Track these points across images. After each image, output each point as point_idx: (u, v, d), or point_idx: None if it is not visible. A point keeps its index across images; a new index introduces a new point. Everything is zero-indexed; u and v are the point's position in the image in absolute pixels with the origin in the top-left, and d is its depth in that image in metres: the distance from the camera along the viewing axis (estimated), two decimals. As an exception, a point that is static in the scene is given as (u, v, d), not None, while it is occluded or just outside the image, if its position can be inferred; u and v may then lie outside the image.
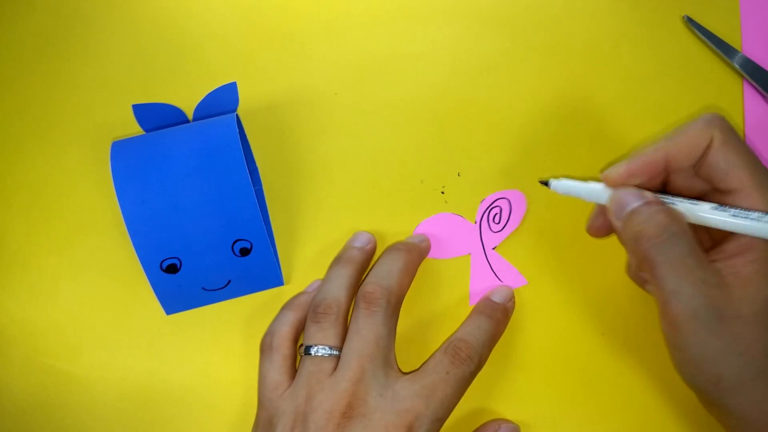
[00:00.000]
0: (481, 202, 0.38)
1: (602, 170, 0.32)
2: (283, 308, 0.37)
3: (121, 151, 0.34)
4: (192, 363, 0.38)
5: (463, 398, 0.34)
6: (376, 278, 0.34)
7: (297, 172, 0.39)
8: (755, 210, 0.29)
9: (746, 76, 0.39)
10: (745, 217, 0.29)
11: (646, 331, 0.37)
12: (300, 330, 0.36)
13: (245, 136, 0.39)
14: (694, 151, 0.31)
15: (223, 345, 0.38)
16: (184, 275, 0.34)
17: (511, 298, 0.37)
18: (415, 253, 0.36)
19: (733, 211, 0.30)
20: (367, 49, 0.40)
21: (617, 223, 0.31)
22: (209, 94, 0.40)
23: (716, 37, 0.39)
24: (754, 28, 0.40)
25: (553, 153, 0.39)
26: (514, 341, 0.37)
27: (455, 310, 0.37)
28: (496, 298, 0.37)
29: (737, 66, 0.39)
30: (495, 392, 0.37)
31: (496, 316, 0.36)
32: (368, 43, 0.40)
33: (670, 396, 0.36)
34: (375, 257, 0.38)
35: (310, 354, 0.33)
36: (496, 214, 0.38)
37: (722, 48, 0.39)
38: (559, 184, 0.33)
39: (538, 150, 0.39)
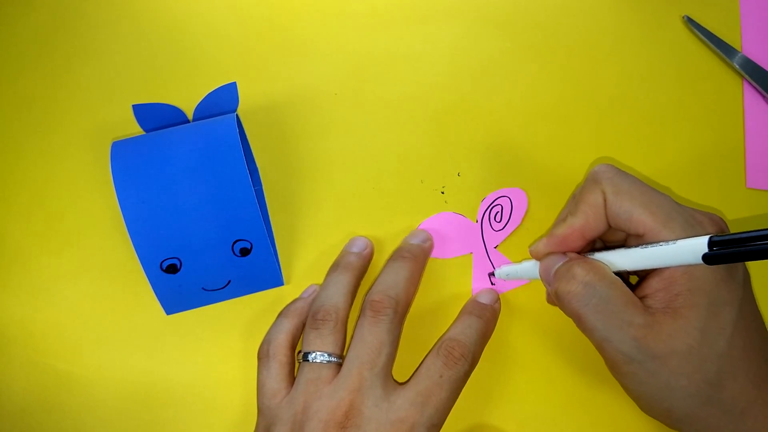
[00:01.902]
0: (482, 200, 0.38)
1: (530, 246, 0.34)
2: (279, 315, 0.37)
3: (121, 151, 0.34)
4: (192, 363, 0.38)
5: (462, 398, 0.34)
6: (384, 287, 0.34)
7: (297, 172, 0.39)
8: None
9: (746, 76, 0.39)
10: (653, 247, 0.29)
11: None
12: (297, 337, 0.36)
13: (245, 136, 0.39)
14: (597, 216, 0.31)
15: (223, 345, 0.38)
16: (184, 275, 0.34)
17: (498, 300, 0.37)
18: (421, 260, 0.36)
19: (641, 247, 0.30)
20: (367, 49, 0.40)
21: (549, 290, 0.32)
22: (209, 94, 0.40)
23: (716, 37, 0.39)
24: (754, 28, 0.40)
25: (552, 153, 0.39)
26: (514, 341, 0.37)
27: (457, 310, 0.37)
28: (483, 300, 0.37)
29: (737, 66, 0.39)
30: (494, 393, 0.37)
31: (485, 315, 0.36)
32: (368, 42, 0.40)
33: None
34: (374, 259, 0.38)
35: (309, 361, 0.33)
36: (498, 212, 0.38)
37: (722, 48, 0.39)
38: (501, 272, 0.37)
39: (538, 150, 0.39)
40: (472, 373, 0.34)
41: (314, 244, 0.39)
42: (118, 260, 0.38)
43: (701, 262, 0.27)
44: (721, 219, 0.31)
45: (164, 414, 0.37)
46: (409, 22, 0.40)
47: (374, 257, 0.38)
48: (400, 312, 0.34)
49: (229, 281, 0.36)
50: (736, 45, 0.40)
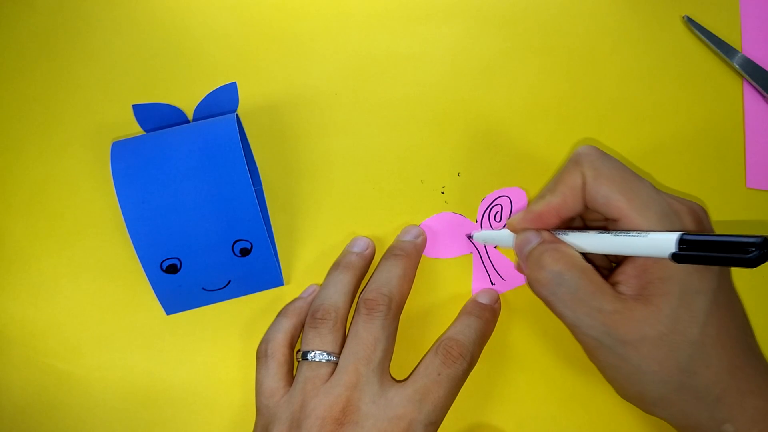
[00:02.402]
0: (482, 200, 0.38)
1: (508, 218, 0.35)
2: (278, 315, 0.37)
3: (121, 151, 0.34)
4: (192, 363, 0.38)
5: (461, 397, 0.34)
6: (377, 285, 0.34)
7: (297, 172, 0.39)
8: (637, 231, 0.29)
9: (746, 76, 0.39)
10: (625, 236, 0.29)
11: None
12: (296, 336, 0.36)
13: (245, 136, 0.39)
14: (575, 198, 0.32)
15: (223, 345, 0.38)
16: (184, 275, 0.34)
17: (497, 300, 0.37)
18: (413, 256, 0.36)
19: (614, 233, 0.30)
20: (367, 49, 0.40)
21: (523, 265, 0.33)
22: (209, 94, 0.40)
23: (716, 37, 0.39)
24: (754, 28, 0.40)
25: (552, 153, 0.39)
26: (514, 341, 0.37)
27: (457, 310, 0.37)
28: (483, 300, 0.37)
29: (737, 66, 0.39)
30: (495, 392, 0.37)
31: (485, 315, 0.36)
32: (368, 43, 0.40)
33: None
34: (376, 259, 0.38)
35: (308, 359, 0.33)
36: (497, 212, 0.38)
37: (722, 48, 0.39)
38: (479, 236, 0.37)
39: (538, 150, 0.39)
40: (472, 372, 0.34)
41: (314, 244, 0.39)
42: (118, 260, 0.38)
43: (669, 258, 0.27)
44: (701, 208, 0.31)
45: (164, 414, 0.37)
46: (409, 22, 0.40)
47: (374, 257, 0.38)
48: (394, 309, 0.34)
49: (229, 281, 0.36)
50: (736, 45, 0.40)
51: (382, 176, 0.39)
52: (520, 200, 0.38)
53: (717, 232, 0.38)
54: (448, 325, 0.36)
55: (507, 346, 0.37)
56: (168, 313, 0.36)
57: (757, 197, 0.39)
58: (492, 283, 0.38)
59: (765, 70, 0.39)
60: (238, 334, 0.38)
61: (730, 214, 0.38)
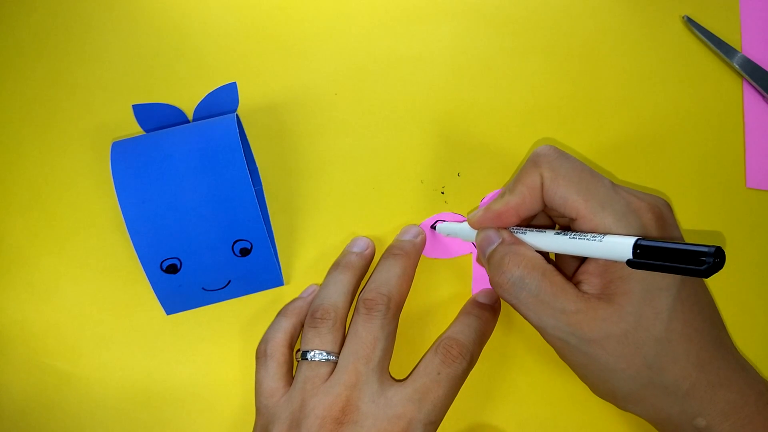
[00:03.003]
0: (482, 200, 0.38)
1: (469, 213, 0.36)
2: (278, 315, 0.37)
3: (121, 151, 0.34)
4: (192, 363, 0.38)
5: (461, 397, 0.34)
6: (376, 285, 0.34)
7: (297, 172, 0.39)
8: (594, 233, 0.29)
9: (746, 76, 0.39)
10: (581, 239, 0.29)
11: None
12: (295, 336, 0.36)
13: (245, 136, 0.39)
14: (534, 198, 0.32)
15: (223, 345, 0.38)
16: (184, 275, 0.34)
17: (497, 300, 0.37)
18: (413, 255, 0.36)
19: (570, 234, 0.30)
20: (367, 50, 0.40)
21: (484, 265, 0.33)
22: (209, 94, 0.40)
23: (716, 37, 0.39)
24: (754, 28, 0.40)
25: (553, 153, 0.39)
26: (514, 342, 0.37)
27: (457, 310, 0.37)
28: (483, 300, 0.37)
29: (737, 66, 0.39)
30: (494, 393, 0.37)
31: (485, 315, 0.36)
32: (368, 43, 0.40)
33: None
34: (375, 259, 0.38)
35: (307, 359, 0.33)
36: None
37: (722, 48, 0.39)
38: (442, 227, 0.37)
39: (538, 150, 0.39)
40: (472, 372, 0.34)
41: (314, 244, 0.39)
42: (118, 260, 0.38)
43: (625, 263, 0.27)
44: (664, 202, 0.31)
45: (164, 414, 0.37)
46: (409, 22, 0.40)
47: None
48: (393, 308, 0.34)
49: (229, 281, 0.36)
50: (736, 45, 0.40)
51: (382, 176, 0.39)
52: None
53: (715, 233, 0.38)
54: (448, 325, 0.36)
55: (507, 346, 0.37)
56: (168, 313, 0.36)
57: (757, 197, 0.39)
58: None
59: (765, 70, 0.39)
60: (238, 334, 0.38)
61: (730, 214, 0.38)
